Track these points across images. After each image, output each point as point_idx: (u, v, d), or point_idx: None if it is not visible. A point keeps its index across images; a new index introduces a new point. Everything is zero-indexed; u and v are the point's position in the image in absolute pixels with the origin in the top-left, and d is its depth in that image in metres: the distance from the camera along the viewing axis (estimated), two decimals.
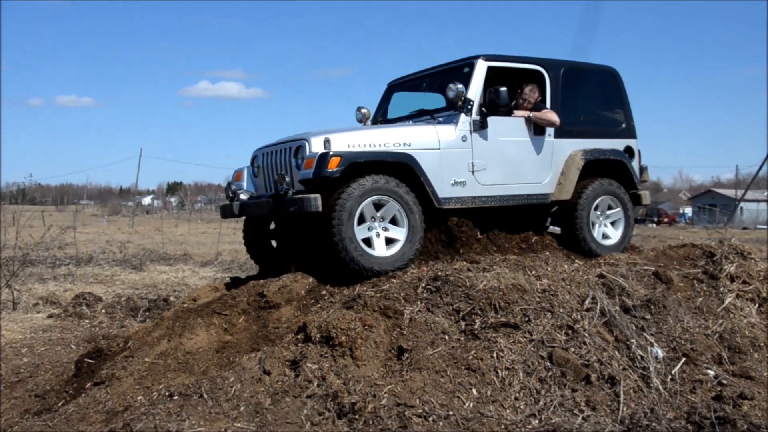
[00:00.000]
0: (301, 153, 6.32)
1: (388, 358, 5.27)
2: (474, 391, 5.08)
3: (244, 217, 7.37)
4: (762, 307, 6.78)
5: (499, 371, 5.24)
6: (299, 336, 5.39)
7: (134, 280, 14.60)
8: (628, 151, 7.89)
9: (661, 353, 5.89)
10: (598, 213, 7.50)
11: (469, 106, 6.76)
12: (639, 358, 5.75)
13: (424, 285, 5.81)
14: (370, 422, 4.74)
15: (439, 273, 5.93)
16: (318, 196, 5.97)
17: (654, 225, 52.55)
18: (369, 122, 7.99)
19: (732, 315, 6.57)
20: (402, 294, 5.71)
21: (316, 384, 4.93)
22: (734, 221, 45.45)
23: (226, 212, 7.08)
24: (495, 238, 7.01)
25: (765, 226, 46.67)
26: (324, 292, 6.13)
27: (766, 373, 6.05)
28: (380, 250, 6.24)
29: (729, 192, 63.75)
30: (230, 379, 5.02)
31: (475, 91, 6.82)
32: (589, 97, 8.00)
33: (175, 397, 4.89)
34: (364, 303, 5.59)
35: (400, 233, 6.29)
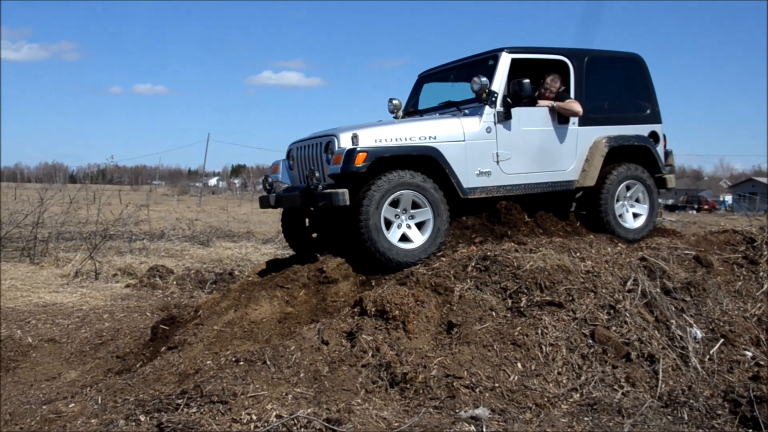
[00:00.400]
0: (331, 148, 6.26)
1: (439, 332, 5.28)
2: (519, 365, 5.07)
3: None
4: None
5: (543, 347, 5.21)
6: (355, 309, 5.42)
7: (202, 254, 14.82)
8: (653, 136, 7.68)
9: (699, 334, 5.79)
10: (623, 198, 7.33)
11: (494, 98, 6.62)
12: (678, 338, 5.66)
13: (473, 264, 5.79)
14: (421, 391, 4.77)
15: (488, 253, 5.89)
16: (346, 191, 5.93)
17: (694, 212, 51.57)
18: (401, 112, 7.81)
19: None
20: (452, 272, 5.70)
21: (370, 354, 4.97)
22: None
23: (264, 203, 7.00)
24: (541, 221, 6.91)
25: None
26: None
27: None
28: (417, 239, 6.18)
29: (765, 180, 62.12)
30: (291, 347, 5.08)
31: (499, 83, 6.68)
32: (613, 85, 7.77)
33: (241, 363, 4.98)
34: (416, 280, 5.60)
35: (427, 215, 6.20)
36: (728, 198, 67.05)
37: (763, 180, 66.09)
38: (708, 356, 5.63)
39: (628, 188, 7.36)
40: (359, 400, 4.63)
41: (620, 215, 7.27)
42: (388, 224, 6.05)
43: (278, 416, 4.45)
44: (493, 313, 5.41)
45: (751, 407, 5.04)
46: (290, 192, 6.77)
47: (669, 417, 4.93)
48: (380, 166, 5.99)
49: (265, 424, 4.42)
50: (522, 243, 6.22)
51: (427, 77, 8.17)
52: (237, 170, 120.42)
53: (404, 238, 6.16)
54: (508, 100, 6.70)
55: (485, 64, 6.96)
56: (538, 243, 6.24)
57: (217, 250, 15.61)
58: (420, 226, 6.24)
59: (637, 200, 7.46)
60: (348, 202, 5.91)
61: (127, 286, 10.20)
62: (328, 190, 6.00)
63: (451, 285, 5.56)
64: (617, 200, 7.24)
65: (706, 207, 58.15)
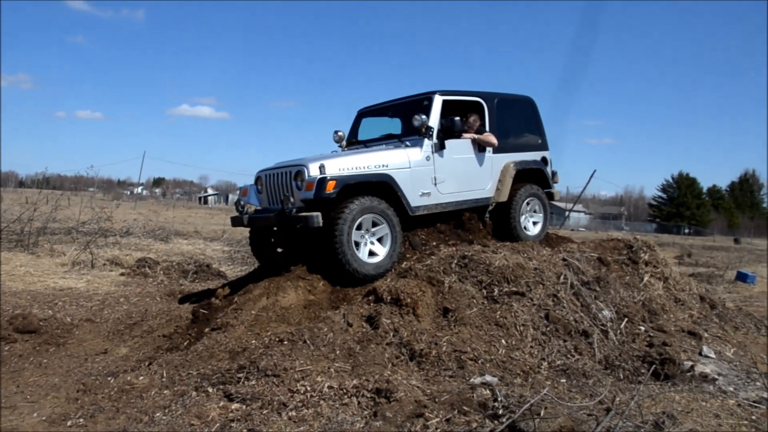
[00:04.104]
0: (301, 176, 5.70)
1: (437, 316, 5.01)
2: (503, 341, 4.89)
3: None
4: (665, 283, 6.83)
5: (518, 327, 5.06)
6: (370, 298, 5.05)
7: (166, 249, 13.67)
8: (544, 160, 7.59)
9: (609, 314, 5.85)
10: (525, 211, 7.19)
11: (431, 133, 6.28)
12: (598, 317, 5.69)
13: (455, 262, 5.55)
14: (435, 364, 4.50)
15: (466, 253, 5.68)
16: (319, 214, 5.41)
17: None
18: (344, 143, 7.27)
19: (648, 288, 6.57)
20: (441, 268, 5.44)
21: (391, 335, 4.64)
22: (565, 225, 47.03)
23: (237, 222, 6.30)
24: (491, 229, 6.79)
25: (583, 229, 48.92)
26: None
27: (673, 328, 6.11)
28: (381, 252, 5.73)
29: (561, 204, 65.98)
30: (324, 329, 4.66)
31: (434, 120, 6.33)
32: (515, 120, 7.46)
33: (285, 342, 4.51)
34: (415, 274, 5.32)
35: (385, 230, 5.75)
36: None
37: (557, 203, 70.00)
38: (619, 331, 5.69)
39: (531, 203, 7.23)
40: (389, 372, 4.29)
41: (523, 223, 7.12)
42: (357, 245, 5.57)
43: (330, 387, 4.04)
44: (474, 301, 5.21)
45: (661, 365, 5.15)
46: (262, 214, 6.14)
47: (611, 377, 4.93)
48: (346, 192, 5.57)
49: (320, 393, 4.00)
50: (486, 246, 6.06)
51: (366, 113, 7.59)
52: (158, 182, 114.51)
53: (371, 253, 5.69)
54: (441, 133, 6.38)
55: (420, 104, 6.60)
56: (496, 246, 6.10)
57: (176, 246, 14.50)
58: (380, 240, 5.77)
59: (535, 212, 7.33)
60: (321, 224, 5.42)
61: (122, 274, 9.12)
62: (304, 214, 5.45)
63: (441, 278, 5.30)
64: (522, 213, 7.11)
65: None
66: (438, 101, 6.47)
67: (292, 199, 5.64)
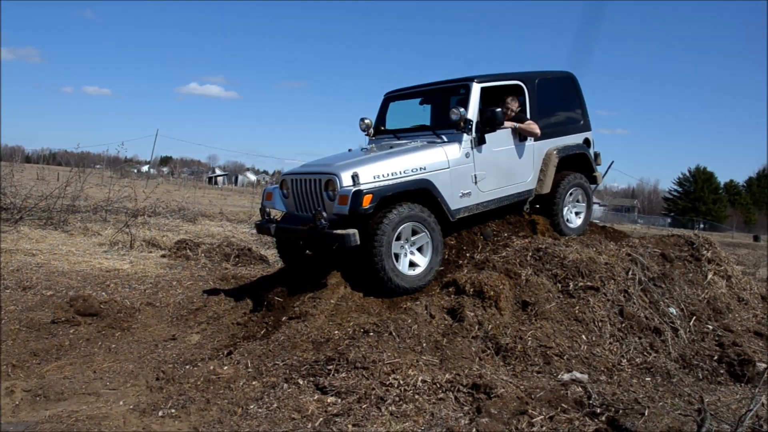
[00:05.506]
0: (332, 186, 5.26)
1: (516, 309, 4.95)
2: (583, 337, 4.84)
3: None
4: (728, 281, 6.73)
5: (596, 322, 5.01)
6: (450, 289, 5.00)
7: (195, 230, 13.49)
8: (586, 142, 7.09)
9: (676, 312, 5.78)
10: (568, 203, 6.88)
11: (470, 126, 5.81)
12: (667, 315, 5.62)
13: (530, 254, 5.48)
14: (521, 359, 4.46)
15: (540, 246, 5.60)
16: (356, 232, 4.99)
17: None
18: (372, 130, 6.78)
19: (712, 286, 6.45)
20: (518, 260, 5.37)
21: (476, 328, 4.60)
22: None
23: (262, 230, 5.89)
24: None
25: (598, 221, 48.82)
26: (455, 258, 5.76)
27: (739, 328, 6.02)
28: (421, 262, 5.36)
29: None
30: (408, 321, 4.61)
31: (473, 111, 5.85)
32: (557, 101, 6.94)
33: (371, 334, 4.47)
34: (492, 266, 5.25)
35: (425, 239, 5.38)
36: None
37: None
38: (688, 329, 5.62)
39: (574, 195, 6.92)
40: (477, 367, 4.25)
41: (567, 217, 6.83)
42: (396, 257, 5.22)
43: (423, 381, 3.99)
44: (551, 294, 5.15)
45: (741, 367, 5.07)
46: (289, 222, 5.74)
47: (691, 377, 4.87)
48: (383, 203, 5.18)
49: (414, 387, 3.95)
50: (556, 239, 5.99)
51: (393, 97, 6.99)
52: (165, 160, 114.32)
53: (411, 264, 5.35)
54: (480, 125, 5.91)
55: (456, 92, 6.23)
56: (566, 240, 6.03)
57: (204, 227, 14.37)
58: (420, 249, 5.42)
59: (578, 203, 7.03)
60: (359, 242, 5.01)
61: (163, 256, 9.04)
62: (340, 232, 5.01)
63: (518, 270, 5.23)
64: (565, 205, 6.81)
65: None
66: (476, 90, 5.98)
67: (324, 214, 5.20)
